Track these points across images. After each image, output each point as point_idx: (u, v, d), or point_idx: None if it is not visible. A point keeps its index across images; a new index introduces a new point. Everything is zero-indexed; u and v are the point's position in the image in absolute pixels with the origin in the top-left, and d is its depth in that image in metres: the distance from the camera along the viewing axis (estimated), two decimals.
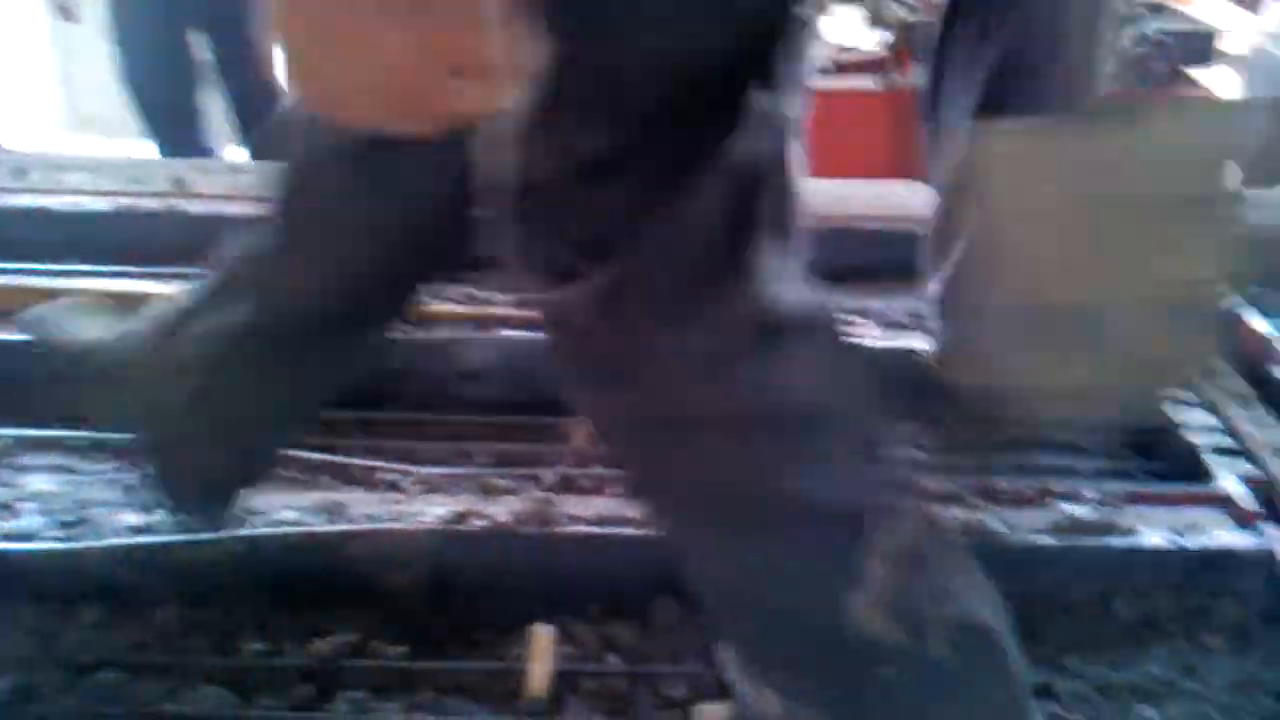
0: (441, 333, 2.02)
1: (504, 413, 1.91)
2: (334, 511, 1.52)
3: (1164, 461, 1.82)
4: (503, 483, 1.63)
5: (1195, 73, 3.67)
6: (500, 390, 1.97)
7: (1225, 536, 1.55)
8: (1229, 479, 1.65)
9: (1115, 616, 1.52)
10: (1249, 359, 2.06)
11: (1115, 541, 1.53)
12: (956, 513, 1.57)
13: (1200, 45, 3.63)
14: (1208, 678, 1.42)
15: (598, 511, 1.54)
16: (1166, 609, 1.52)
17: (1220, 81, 3.61)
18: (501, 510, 1.53)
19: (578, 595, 1.48)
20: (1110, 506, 1.62)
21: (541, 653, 1.38)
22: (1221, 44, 3.74)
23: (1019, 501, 1.62)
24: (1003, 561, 1.46)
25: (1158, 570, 1.53)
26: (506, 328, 2.03)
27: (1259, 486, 1.67)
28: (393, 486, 1.63)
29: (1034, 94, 1.55)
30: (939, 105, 1.70)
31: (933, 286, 1.84)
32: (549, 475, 1.65)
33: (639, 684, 1.37)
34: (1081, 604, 1.54)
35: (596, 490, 1.63)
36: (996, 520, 1.55)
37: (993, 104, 1.59)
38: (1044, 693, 1.40)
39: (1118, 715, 1.38)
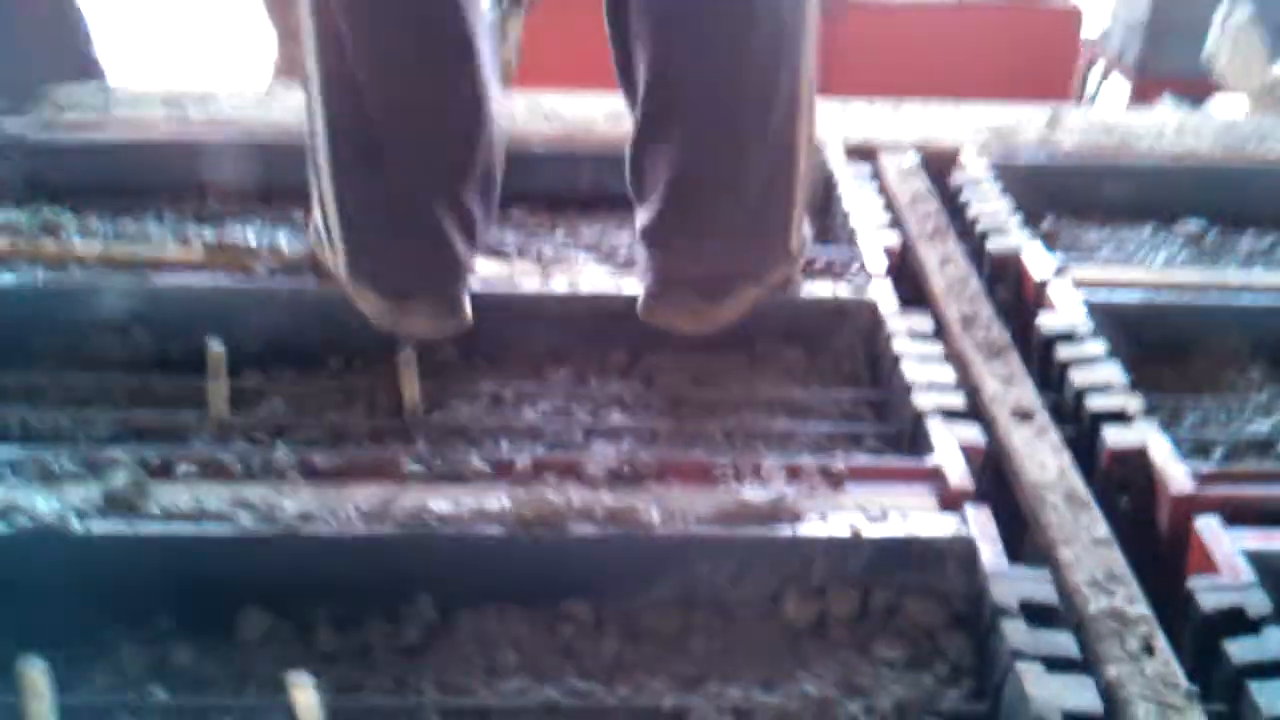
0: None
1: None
2: None
3: (892, 426, 1.56)
4: None
5: None
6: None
7: (921, 522, 1.29)
8: (948, 450, 1.39)
9: (781, 623, 1.27)
10: (1023, 304, 1.81)
11: (784, 531, 1.27)
12: (605, 496, 1.30)
13: None
14: (873, 699, 1.16)
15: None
16: (842, 613, 1.27)
17: None
18: None
19: None
20: (804, 484, 1.35)
21: None
22: None
23: (688, 479, 1.35)
24: (650, 555, 1.23)
25: (834, 565, 1.27)
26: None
27: (981, 457, 1.41)
28: None
29: None
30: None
31: (638, 216, 1.58)
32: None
33: None
34: (744, 607, 1.28)
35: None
36: (651, 505, 1.28)
37: None
38: (678, 716, 1.15)
39: None
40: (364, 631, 1.24)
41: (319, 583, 1.25)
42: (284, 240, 1.81)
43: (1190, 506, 1.33)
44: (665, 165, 1.53)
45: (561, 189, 2.11)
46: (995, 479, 1.46)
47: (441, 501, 1.28)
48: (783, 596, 1.28)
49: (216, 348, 1.50)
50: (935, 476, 1.37)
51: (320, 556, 1.25)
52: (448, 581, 1.25)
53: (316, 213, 1.60)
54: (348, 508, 1.28)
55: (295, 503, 1.28)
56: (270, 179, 2.08)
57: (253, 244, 1.79)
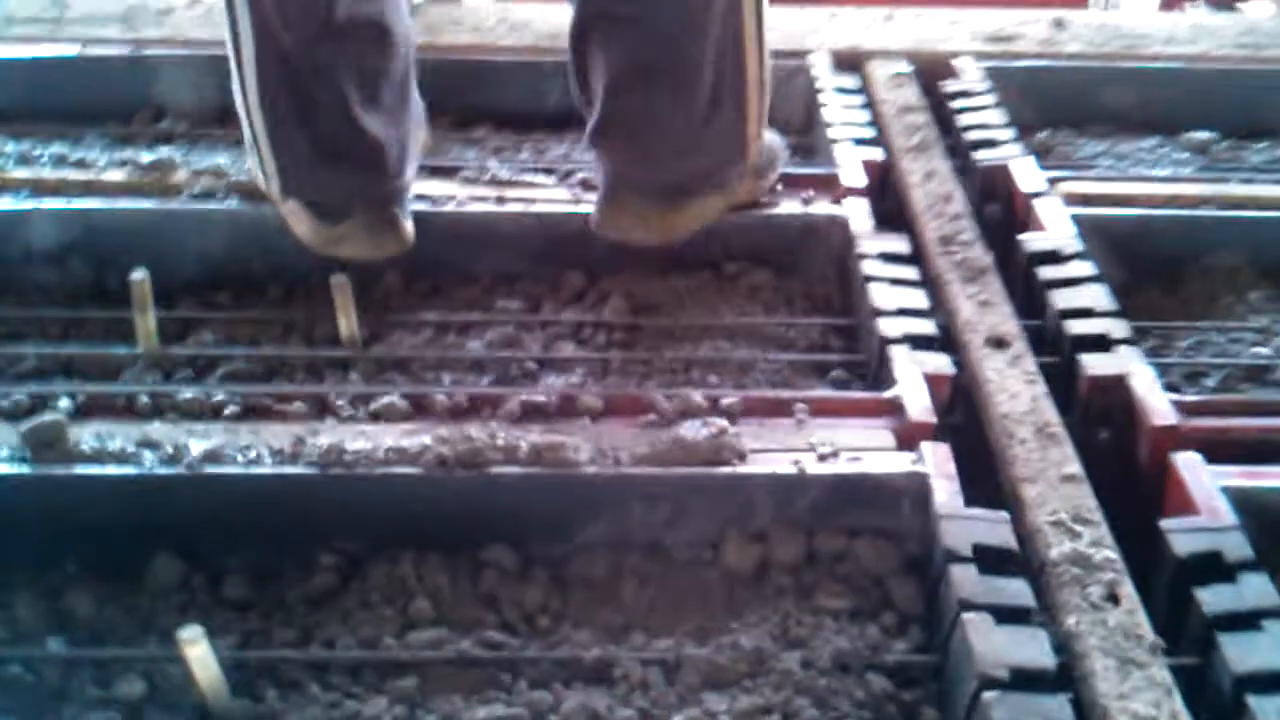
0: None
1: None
2: None
3: (861, 355, 1.46)
4: None
5: None
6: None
7: (874, 460, 1.19)
8: (910, 381, 1.29)
9: (720, 570, 1.19)
10: (1009, 221, 1.69)
11: (724, 471, 1.18)
12: (532, 434, 1.21)
13: None
14: (812, 651, 1.08)
15: None
16: (785, 559, 1.18)
17: None
18: None
19: None
20: (752, 420, 1.26)
21: None
22: None
23: (627, 415, 1.26)
24: (579, 497, 1.15)
25: (778, 507, 1.18)
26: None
27: (948, 388, 1.31)
28: None
29: None
30: None
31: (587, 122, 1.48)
32: None
33: None
34: (681, 553, 1.20)
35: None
36: (581, 443, 1.19)
37: None
38: (601, 669, 1.08)
39: (679, 701, 1.05)
40: (275, 580, 1.17)
41: (230, 528, 1.18)
42: (226, 162, 1.71)
43: (1170, 440, 1.23)
44: (605, 62, 1.43)
45: (529, 106, 1.99)
46: (968, 412, 1.36)
47: (359, 440, 1.20)
48: (722, 541, 1.19)
49: (139, 276, 1.42)
50: (895, 410, 1.27)
51: (227, 500, 1.18)
52: (363, 526, 1.18)
53: (245, 132, 1.50)
54: (259, 447, 1.20)
55: (203, 442, 1.20)
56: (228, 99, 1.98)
57: (190, 166, 1.69)
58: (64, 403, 1.27)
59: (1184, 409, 1.25)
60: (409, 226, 1.48)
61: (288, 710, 1.06)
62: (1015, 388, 1.32)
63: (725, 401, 1.28)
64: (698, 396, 1.27)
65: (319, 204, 1.45)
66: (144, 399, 1.28)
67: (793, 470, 1.18)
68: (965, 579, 1.06)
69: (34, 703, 1.05)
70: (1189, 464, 1.18)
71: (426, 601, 1.13)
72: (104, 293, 1.58)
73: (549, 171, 1.74)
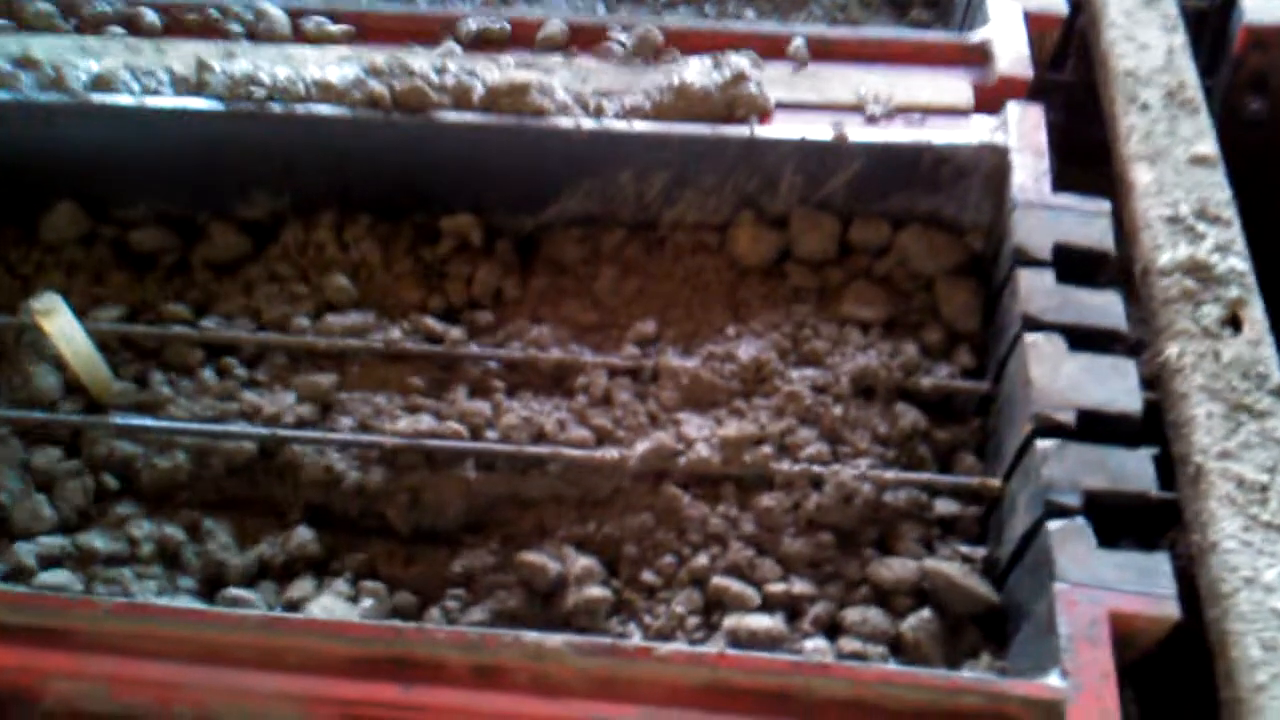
0: None
1: None
2: None
3: None
4: None
5: None
6: None
7: (939, 125, 0.91)
8: (1008, 20, 0.97)
9: (726, 259, 0.94)
10: None
11: (739, 132, 0.90)
12: (490, 68, 0.94)
13: None
14: (829, 372, 0.84)
15: None
16: (809, 250, 0.93)
17: None
18: None
19: None
20: (786, 62, 0.97)
21: None
22: None
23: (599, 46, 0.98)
24: (550, 156, 0.90)
25: (807, 182, 0.92)
26: None
27: (1058, 33, 1.00)
28: None
29: None
30: None
31: None
32: None
33: None
34: (679, 235, 0.94)
35: None
36: (554, 83, 0.92)
37: None
38: (558, 376, 0.86)
39: (648, 421, 0.83)
40: (181, 239, 0.96)
41: (124, 171, 0.96)
42: None
43: None
44: None
45: None
46: (1082, 67, 1.05)
47: (280, 67, 0.95)
48: (732, 225, 0.93)
49: None
50: (979, 58, 0.97)
51: (119, 135, 0.95)
52: (279, 176, 0.95)
53: None
54: (157, 72, 0.95)
55: (94, 64, 0.96)
56: None
57: None
58: None
59: None
60: None
61: (175, 399, 0.87)
62: (1148, 36, 1.00)
63: (752, 35, 0.97)
64: (725, 29, 0.97)
65: None
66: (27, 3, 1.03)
67: (829, 135, 0.89)
68: (1036, 287, 0.80)
69: None
70: None
71: (347, 278, 0.91)
72: None
73: None
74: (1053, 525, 0.71)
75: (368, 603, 0.78)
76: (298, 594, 0.79)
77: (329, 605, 0.78)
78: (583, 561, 0.79)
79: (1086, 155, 0.96)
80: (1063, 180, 0.88)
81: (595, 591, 0.77)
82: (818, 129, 0.91)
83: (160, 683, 0.68)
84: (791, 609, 0.77)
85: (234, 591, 0.79)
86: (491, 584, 0.79)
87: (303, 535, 0.82)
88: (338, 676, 0.67)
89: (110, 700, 0.69)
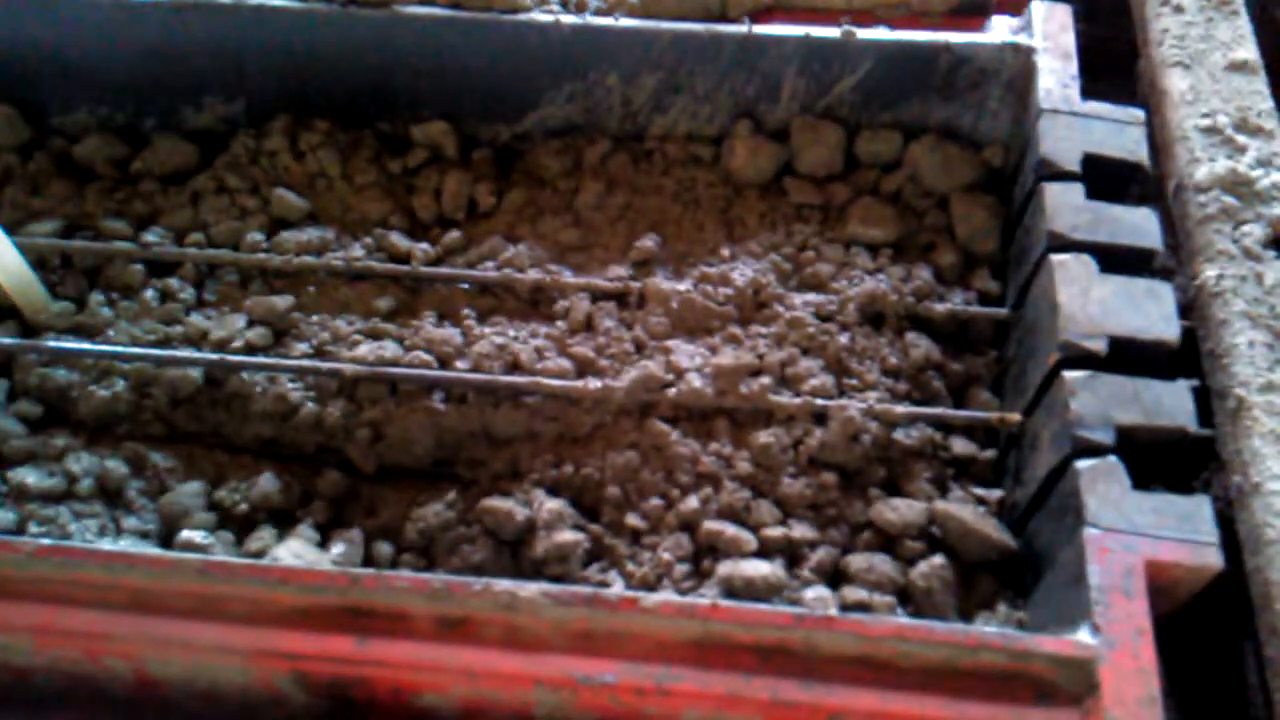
0: None
1: None
2: None
3: None
4: None
5: None
6: None
7: (954, 26, 0.82)
8: None
9: (719, 174, 0.85)
10: None
11: (735, 30, 0.82)
12: None
13: None
14: (834, 297, 0.77)
15: None
16: (813, 163, 0.84)
17: None
18: None
19: None
20: None
21: None
22: None
23: None
24: (523, 51, 0.82)
25: (811, 85, 0.83)
26: None
27: None
28: None
29: None
30: None
31: None
32: None
33: None
34: (666, 146, 0.86)
35: None
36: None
37: None
38: (535, 299, 0.78)
39: (634, 348, 0.76)
40: (128, 148, 0.88)
41: (68, 74, 0.87)
42: None
43: None
44: None
45: None
46: None
47: None
48: (728, 136, 0.85)
49: None
50: None
51: (58, 33, 0.86)
52: (231, 80, 0.86)
53: None
54: None
55: None
56: None
57: None
58: None
59: None
60: None
61: (115, 320, 0.79)
62: None
63: None
64: None
65: None
66: None
67: (835, 32, 0.81)
68: (1064, 203, 0.72)
69: None
70: None
71: (300, 195, 0.83)
72: None
73: None
74: (1082, 464, 0.63)
75: (339, 548, 0.71)
76: (257, 544, 0.72)
77: (298, 550, 0.71)
78: (550, 504, 0.71)
79: (1110, 67, 0.88)
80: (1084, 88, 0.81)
81: (566, 536, 0.70)
82: (823, 27, 0.82)
83: (89, 634, 0.61)
84: (791, 555, 0.70)
85: (187, 534, 0.72)
86: (453, 539, 0.72)
87: (267, 484, 0.74)
88: (285, 628, 0.60)
89: (34, 653, 0.62)
